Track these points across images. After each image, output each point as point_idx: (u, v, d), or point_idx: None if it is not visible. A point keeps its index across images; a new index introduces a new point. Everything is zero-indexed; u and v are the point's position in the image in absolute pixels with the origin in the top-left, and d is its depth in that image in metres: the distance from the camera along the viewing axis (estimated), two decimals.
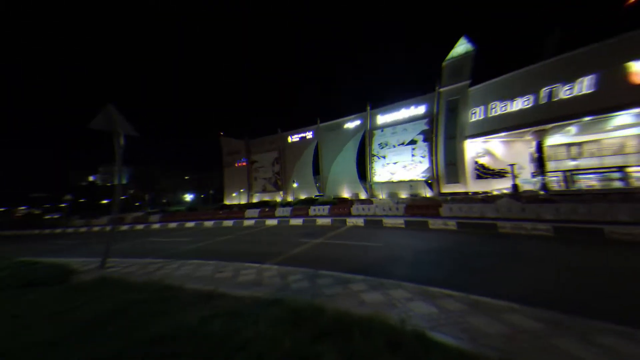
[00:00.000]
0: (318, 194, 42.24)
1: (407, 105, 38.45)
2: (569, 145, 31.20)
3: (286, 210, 20.97)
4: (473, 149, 33.12)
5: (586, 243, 7.09)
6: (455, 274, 4.93)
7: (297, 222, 15.42)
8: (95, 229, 22.68)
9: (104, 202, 61.17)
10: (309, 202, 28.86)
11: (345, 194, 42.17)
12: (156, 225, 20.14)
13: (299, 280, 4.27)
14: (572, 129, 27.66)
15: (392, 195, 37.40)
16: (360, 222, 13.14)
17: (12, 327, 2.92)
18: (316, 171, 47.56)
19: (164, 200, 67.65)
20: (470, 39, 32.49)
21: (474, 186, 32.14)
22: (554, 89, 25.45)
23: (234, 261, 5.89)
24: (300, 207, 22.24)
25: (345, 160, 43.90)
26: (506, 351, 2.19)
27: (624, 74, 21.62)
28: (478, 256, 6.24)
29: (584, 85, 23.72)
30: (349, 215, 17.45)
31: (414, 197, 34.52)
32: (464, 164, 32.45)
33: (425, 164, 37.01)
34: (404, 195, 37.16)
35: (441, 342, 2.31)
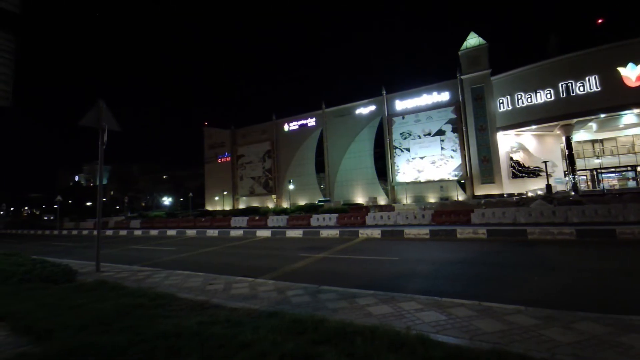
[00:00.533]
0: (322, 199, 42.92)
1: (429, 91, 40.01)
2: (594, 142, 36.69)
3: (281, 220, 21.79)
4: (506, 143, 36.16)
5: (603, 244, 9.14)
6: (473, 286, 5.71)
7: (295, 233, 16.19)
8: (85, 232, 28.70)
9: (89, 204, 75.70)
10: (311, 209, 29.56)
11: (360, 199, 42.83)
12: (138, 232, 23.41)
13: (299, 295, 4.96)
14: (593, 125, 33.33)
15: (419, 200, 38.06)
16: (376, 233, 13.86)
17: (48, 312, 4.14)
18: (320, 168, 48.02)
19: (143, 204, 75.91)
20: (480, 34, 37.29)
21: (509, 187, 34.77)
22: (569, 84, 31.38)
23: (224, 275, 6.66)
24: (299, 215, 23.07)
25: (358, 154, 44.57)
26: (498, 343, 3.00)
27: (618, 78, 29.37)
28: (501, 267, 7.15)
29: (592, 84, 30.44)
30: (363, 225, 18.18)
31: (444, 201, 35.16)
32: (498, 159, 35.08)
33: (457, 160, 37.70)
34: (432, 199, 37.80)
35: (441, 342, 2.97)
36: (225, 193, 55.52)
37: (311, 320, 3.61)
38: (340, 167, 46.16)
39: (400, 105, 41.91)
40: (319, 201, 39.94)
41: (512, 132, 35.50)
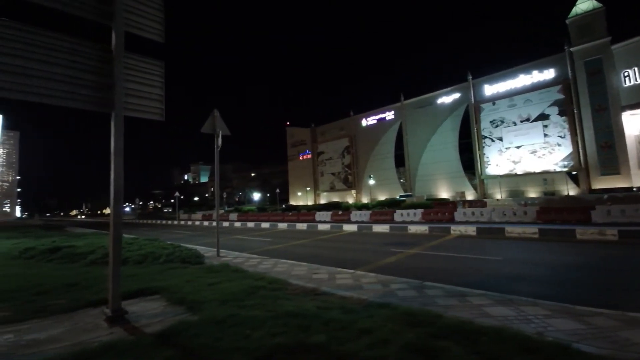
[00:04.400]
0: (403, 194, 41.56)
1: (527, 70, 34.88)
2: None
3: (364, 215, 21.92)
4: (635, 125, 29.19)
5: None
6: (605, 294, 4.93)
7: (381, 228, 16.09)
8: (197, 223, 33.25)
9: (196, 199, 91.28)
10: (392, 204, 29.08)
11: (444, 194, 40.29)
12: (237, 224, 26.25)
13: (403, 289, 4.97)
14: None
15: (516, 195, 33.92)
16: (471, 230, 12.90)
17: (193, 288, 5.01)
18: (399, 162, 46.61)
19: (236, 199, 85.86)
20: None
21: (639, 179, 28.35)
22: None
23: (324, 265, 7.06)
24: (382, 211, 22.84)
25: (441, 146, 41.85)
26: None
27: None
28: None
29: None
30: (452, 221, 17.14)
31: (550, 196, 30.54)
32: (624, 145, 28.67)
33: (566, 148, 32.20)
34: (533, 193, 33.25)
35: (585, 352, 2.68)
36: (308, 189, 58.18)
37: (425, 315, 3.60)
38: (421, 160, 43.99)
39: (489, 89, 37.77)
40: (400, 196, 38.80)
41: None
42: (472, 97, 39.01)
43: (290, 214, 28.07)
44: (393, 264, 7.78)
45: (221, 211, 47.28)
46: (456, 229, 13.42)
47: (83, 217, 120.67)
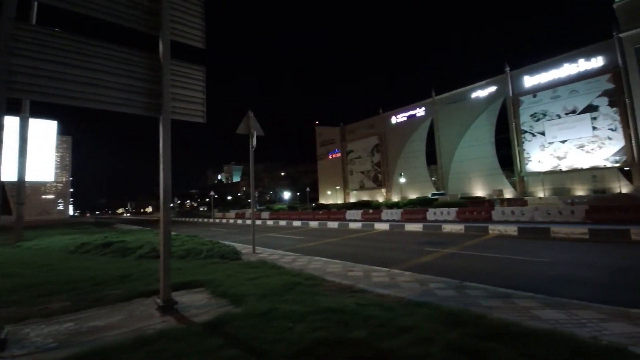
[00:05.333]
0: (436, 192, 40.33)
1: (572, 59, 32.38)
2: None
3: (395, 214, 21.59)
4: None
5: None
6: None
7: (414, 227, 15.76)
8: (231, 221, 35.07)
9: (229, 198, 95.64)
10: (424, 202, 28.42)
11: (479, 192, 38.63)
12: (270, 222, 26.84)
13: (442, 288, 4.85)
14: None
15: (561, 193, 31.75)
16: (511, 230, 12.28)
17: (233, 282, 5.20)
18: (430, 160, 45.30)
19: (267, 198, 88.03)
20: None
21: None
22: None
23: (358, 263, 7.05)
24: (414, 209, 22.37)
25: (475, 142, 40.09)
26: None
27: None
28: None
29: None
30: (489, 220, 16.43)
31: (600, 194, 28.25)
32: None
33: (618, 142, 29.59)
34: (581, 191, 30.95)
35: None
36: (337, 188, 58.20)
37: (469, 315, 3.51)
38: (454, 157, 42.39)
39: (529, 81, 35.54)
40: (433, 194, 37.67)
41: None
42: (510, 90, 36.93)
43: (321, 212, 28.26)
44: (429, 263, 7.61)
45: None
46: (494, 229, 12.82)
47: (128, 215, 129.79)
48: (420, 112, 47.01)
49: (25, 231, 15.68)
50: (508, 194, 36.13)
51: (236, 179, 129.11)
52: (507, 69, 37.16)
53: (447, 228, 14.42)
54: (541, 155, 34.55)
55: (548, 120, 34.12)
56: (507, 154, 37.24)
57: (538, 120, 34.93)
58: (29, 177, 18.21)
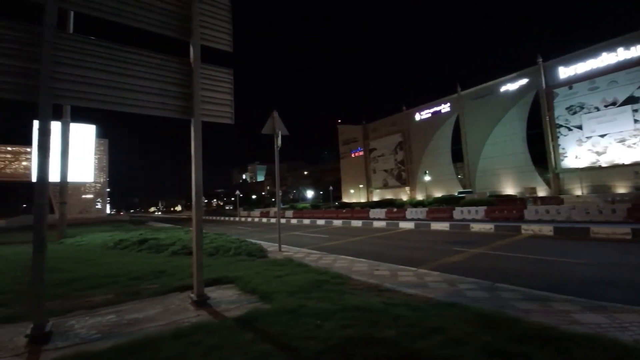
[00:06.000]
0: (462, 190, 39.07)
1: (610, 47, 30.20)
2: None
3: (420, 212, 21.17)
4: None
5: None
6: None
7: (440, 226, 15.38)
8: (256, 219, 36.23)
9: (253, 197, 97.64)
10: (451, 201, 27.62)
11: (509, 190, 36.97)
12: (294, 221, 27.03)
13: (472, 289, 4.71)
14: None
15: (601, 190, 29.79)
16: (546, 230, 11.68)
17: (262, 279, 5.31)
18: (456, 157, 43.88)
19: (291, 197, 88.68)
20: None
21: None
22: None
23: (384, 262, 6.99)
24: (439, 208, 21.81)
25: (505, 138, 38.40)
26: None
27: None
28: None
29: None
30: (521, 220, 15.74)
31: None
32: None
33: None
34: (622, 189, 28.89)
35: None
36: (360, 186, 57.78)
37: (502, 317, 3.40)
38: (481, 154, 40.80)
39: (564, 72, 33.52)
40: (459, 192, 36.49)
41: None
42: (543, 82, 35.00)
43: (344, 211, 28.13)
44: (457, 263, 7.41)
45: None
46: (528, 228, 12.25)
47: (159, 213, 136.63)
48: (445, 108, 45.65)
49: (67, 229, 16.79)
50: (542, 192, 34.36)
51: (260, 178, 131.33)
52: (540, 60, 35.27)
53: (476, 227, 13.96)
54: (578, 151, 32.56)
55: (586, 113, 32.07)
56: (540, 149, 35.35)
57: (574, 113, 32.91)
58: (71, 178, 19.50)
